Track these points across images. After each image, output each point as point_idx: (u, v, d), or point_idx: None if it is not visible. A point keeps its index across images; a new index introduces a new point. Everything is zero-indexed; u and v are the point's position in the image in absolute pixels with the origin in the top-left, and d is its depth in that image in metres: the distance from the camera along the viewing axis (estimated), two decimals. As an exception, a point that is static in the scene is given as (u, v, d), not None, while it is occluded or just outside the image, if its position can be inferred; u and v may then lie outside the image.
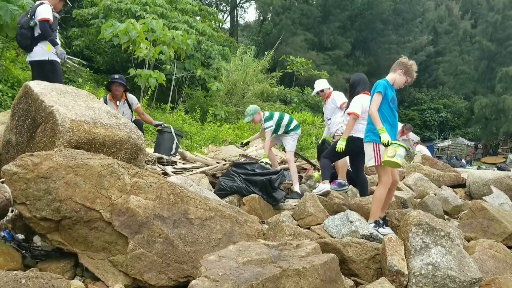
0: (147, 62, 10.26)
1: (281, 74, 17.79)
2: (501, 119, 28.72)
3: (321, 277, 1.85)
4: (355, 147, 4.11)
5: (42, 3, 4.62)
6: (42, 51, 4.63)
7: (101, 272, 2.16)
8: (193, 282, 1.69)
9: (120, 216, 2.22)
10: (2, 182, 2.24)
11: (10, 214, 2.43)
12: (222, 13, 32.41)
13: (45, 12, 4.55)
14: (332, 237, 3.07)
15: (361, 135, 3.80)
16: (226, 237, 2.49)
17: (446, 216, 4.62)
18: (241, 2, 34.08)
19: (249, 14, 72.21)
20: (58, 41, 4.71)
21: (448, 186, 5.66)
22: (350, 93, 4.58)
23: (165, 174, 4.29)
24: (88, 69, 13.09)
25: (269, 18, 32.91)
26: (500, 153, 29.69)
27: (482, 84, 32.27)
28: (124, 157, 3.00)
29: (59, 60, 4.69)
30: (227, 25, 32.10)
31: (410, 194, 4.84)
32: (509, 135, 29.51)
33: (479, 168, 16.18)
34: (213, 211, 2.56)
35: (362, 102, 4.32)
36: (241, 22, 36.45)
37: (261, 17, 34.61)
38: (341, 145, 4.15)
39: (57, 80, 4.34)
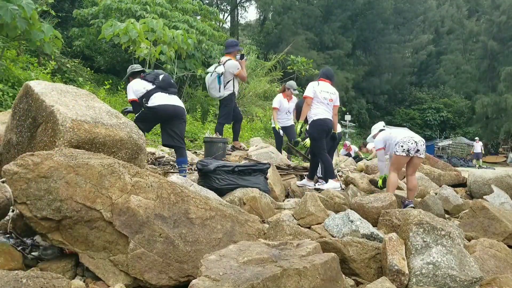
0: (148, 62, 10.26)
1: (282, 74, 17.79)
2: (502, 118, 28.72)
3: (321, 277, 1.85)
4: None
5: None
6: None
7: (101, 271, 2.16)
8: (194, 281, 1.69)
9: (121, 215, 2.22)
10: (3, 182, 2.25)
11: (10, 214, 2.43)
12: (223, 12, 32.42)
13: None
14: (333, 236, 3.07)
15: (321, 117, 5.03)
16: (226, 237, 2.50)
17: (446, 216, 4.62)
18: (242, 1, 34.08)
19: (250, 14, 72.37)
20: None
21: (448, 185, 5.66)
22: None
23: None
24: (88, 68, 13.10)
25: (270, 18, 32.90)
26: (500, 153, 29.70)
27: (484, 83, 32.25)
28: (124, 157, 3.00)
29: None
30: (227, 25, 32.10)
31: (410, 194, 4.83)
32: (510, 134, 29.50)
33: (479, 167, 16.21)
34: (214, 210, 2.56)
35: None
36: (242, 21, 36.48)
37: (262, 17, 34.60)
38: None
39: None
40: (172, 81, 4.59)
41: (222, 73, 6.02)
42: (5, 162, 3.00)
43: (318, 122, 5.05)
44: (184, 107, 4.53)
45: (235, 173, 4.08)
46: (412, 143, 4.54)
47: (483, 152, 23.76)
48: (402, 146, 4.54)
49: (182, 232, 2.33)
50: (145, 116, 4.45)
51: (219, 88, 6.05)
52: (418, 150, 4.57)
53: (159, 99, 4.38)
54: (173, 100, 4.43)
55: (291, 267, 1.78)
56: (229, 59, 6.16)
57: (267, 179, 4.39)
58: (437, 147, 28.63)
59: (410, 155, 4.56)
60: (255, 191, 3.82)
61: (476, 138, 24.01)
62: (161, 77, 4.51)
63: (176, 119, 4.44)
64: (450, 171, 6.92)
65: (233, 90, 6.20)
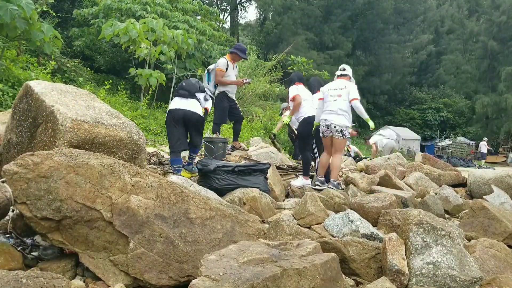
0: (148, 62, 10.27)
1: (282, 74, 17.80)
2: (502, 118, 28.73)
3: (321, 277, 1.85)
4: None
5: None
6: None
7: (101, 271, 2.16)
8: (194, 281, 1.69)
9: (121, 215, 2.22)
10: (3, 182, 2.25)
11: (10, 214, 2.43)
12: (223, 12, 32.42)
13: None
14: (333, 236, 3.07)
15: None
16: (226, 237, 2.50)
17: (446, 215, 4.62)
18: (242, 1, 34.07)
19: (250, 14, 72.37)
20: None
21: (448, 185, 5.66)
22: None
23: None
24: (88, 68, 13.10)
25: (270, 18, 32.89)
26: (500, 153, 29.68)
27: (484, 83, 32.26)
28: (124, 157, 3.00)
29: None
30: (227, 25, 32.09)
31: (410, 193, 4.84)
32: (510, 134, 29.49)
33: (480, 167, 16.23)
34: (214, 210, 2.56)
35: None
36: (242, 21, 36.46)
37: (262, 17, 34.60)
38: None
39: None
40: (184, 84, 4.56)
41: (212, 70, 6.07)
42: (5, 162, 3.00)
43: (307, 120, 5.32)
44: (195, 110, 4.43)
45: (235, 173, 4.08)
46: (323, 126, 4.88)
47: (486, 152, 23.77)
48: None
49: (182, 232, 2.33)
50: (167, 121, 4.52)
51: (207, 84, 6.06)
52: (330, 132, 4.85)
53: (172, 103, 4.51)
54: (183, 103, 4.40)
55: (291, 267, 1.78)
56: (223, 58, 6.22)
57: (267, 179, 4.39)
58: (437, 147, 28.59)
59: (325, 136, 4.91)
60: (255, 191, 3.82)
61: (485, 138, 24.08)
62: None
63: (187, 122, 4.42)
64: (450, 171, 6.92)
65: (225, 89, 6.19)
